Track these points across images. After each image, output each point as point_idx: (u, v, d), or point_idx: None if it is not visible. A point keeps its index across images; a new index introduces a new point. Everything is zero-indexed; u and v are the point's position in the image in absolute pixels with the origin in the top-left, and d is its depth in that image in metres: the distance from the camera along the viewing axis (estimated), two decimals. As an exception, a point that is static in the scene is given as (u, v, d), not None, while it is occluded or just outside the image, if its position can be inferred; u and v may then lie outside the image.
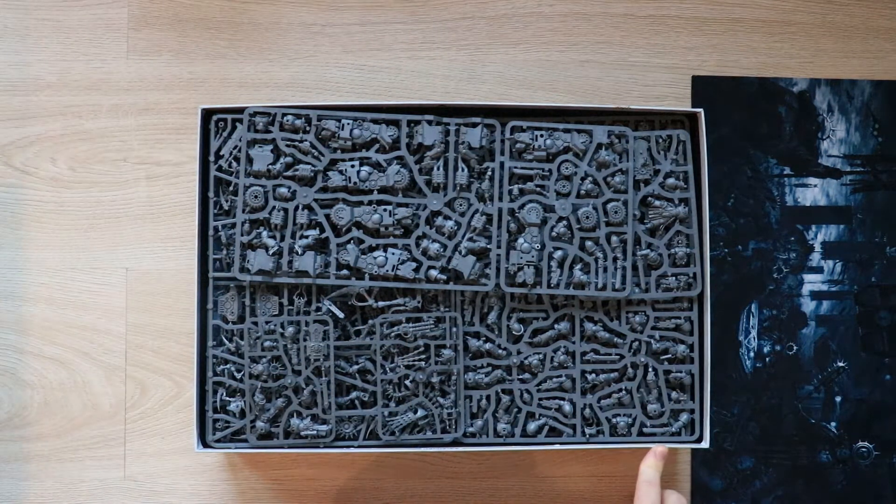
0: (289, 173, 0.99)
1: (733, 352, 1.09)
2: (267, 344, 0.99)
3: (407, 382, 1.00)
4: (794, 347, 1.10)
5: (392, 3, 1.09)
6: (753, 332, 1.10)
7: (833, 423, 1.10)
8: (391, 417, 1.00)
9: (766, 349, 1.10)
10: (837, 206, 1.10)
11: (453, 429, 1.00)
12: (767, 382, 1.09)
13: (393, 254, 0.99)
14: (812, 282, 1.10)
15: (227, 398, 1.00)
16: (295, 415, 1.00)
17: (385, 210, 0.99)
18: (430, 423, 1.00)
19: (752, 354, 1.09)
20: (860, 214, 1.10)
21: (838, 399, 1.10)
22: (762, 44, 1.11)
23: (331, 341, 0.99)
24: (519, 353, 1.01)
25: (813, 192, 1.10)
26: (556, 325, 1.01)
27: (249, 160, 0.99)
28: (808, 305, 1.10)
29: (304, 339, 0.99)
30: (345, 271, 0.99)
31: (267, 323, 0.99)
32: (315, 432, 0.99)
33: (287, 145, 0.99)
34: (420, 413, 0.99)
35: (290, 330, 0.99)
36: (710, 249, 1.04)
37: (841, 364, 1.10)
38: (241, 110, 0.99)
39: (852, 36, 1.12)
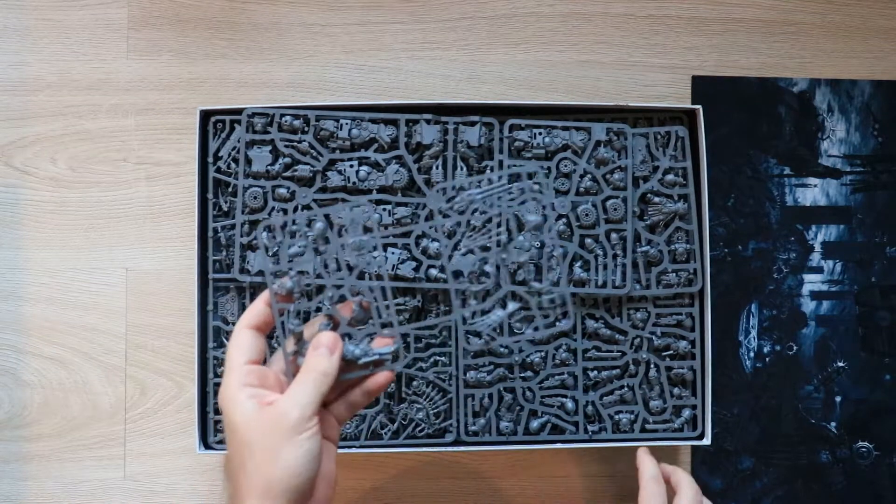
0: (288, 174, 0.99)
1: (733, 352, 1.09)
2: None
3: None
4: (794, 347, 1.10)
5: (392, 3, 1.10)
6: (753, 332, 1.10)
7: (833, 423, 1.10)
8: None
9: (766, 349, 1.09)
10: (837, 206, 1.10)
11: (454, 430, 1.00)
12: (767, 382, 1.09)
13: (393, 253, 0.99)
14: (812, 282, 1.10)
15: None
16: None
17: (384, 209, 0.99)
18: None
19: (752, 354, 1.09)
20: (860, 214, 1.10)
21: (838, 399, 1.10)
22: (762, 44, 1.11)
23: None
24: (521, 350, 1.01)
25: (813, 192, 1.10)
26: (557, 323, 1.01)
27: (248, 161, 0.99)
28: (808, 305, 1.10)
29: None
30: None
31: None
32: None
33: (286, 146, 0.99)
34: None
35: (319, 226, 0.83)
36: (711, 250, 1.04)
37: (841, 364, 1.10)
38: (239, 111, 0.99)
39: (852, 36, 1.12)
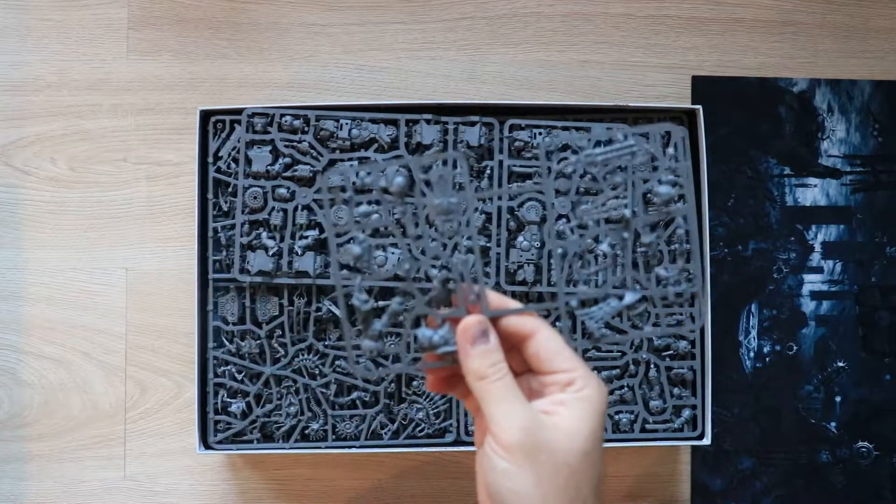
0: (288, 174, 0.99)
1: (733, 352, 1.09)
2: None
3: None
4: (794, 347, 1.10)
5: (392, 3, 1.10)
6: (753, 333, 1.10)
7: (833, 423, 1.10)
8: None
9: (766, 349, 1.09)
10: (837, 206, 1.10)
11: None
12: (767, 383, 1.09)
13: (392, 253, 0.99)
14: (812, 282, 1.10)
15: (228, 399, 1.00)
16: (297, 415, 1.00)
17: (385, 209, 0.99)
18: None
19: (752, 354, 1.09)
20: (860, 214, 1.10)
21: (838, 399, 1.10)
22: (762, 44, 1.11)
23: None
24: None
25: (813, 192, 1.10)
26: (557, 323, 1.01)
27: (248, 161, 0.99)
28: (808, 305, 1.10)
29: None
30: (345, 271, 0.99)
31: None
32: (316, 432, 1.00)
33: (286, 146, 0.99)
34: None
35: (399, 181, 0.73)
36: (711, 250, 1.04)
37: (841, 364, 1.10)
38: (239, 111, 0.99)
39: (852, 36, 1.12)
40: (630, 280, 0.73)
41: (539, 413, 0.64)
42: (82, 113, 1.08)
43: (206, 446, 1.00)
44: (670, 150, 0.75)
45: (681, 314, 1.02)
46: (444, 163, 0.78)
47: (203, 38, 1.09)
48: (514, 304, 0.68)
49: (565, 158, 0.99)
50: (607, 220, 0.74)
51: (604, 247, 0.75)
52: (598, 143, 0.99)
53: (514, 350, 0.67)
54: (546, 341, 0.66)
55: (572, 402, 0.64)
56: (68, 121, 1.08)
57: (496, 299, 0.68)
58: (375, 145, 1.00)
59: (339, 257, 0.67)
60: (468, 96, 1.09)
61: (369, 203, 0.69)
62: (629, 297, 0.72)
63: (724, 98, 1.10)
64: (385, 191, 0.67)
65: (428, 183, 0.68)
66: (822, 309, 1.10)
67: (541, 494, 0.61)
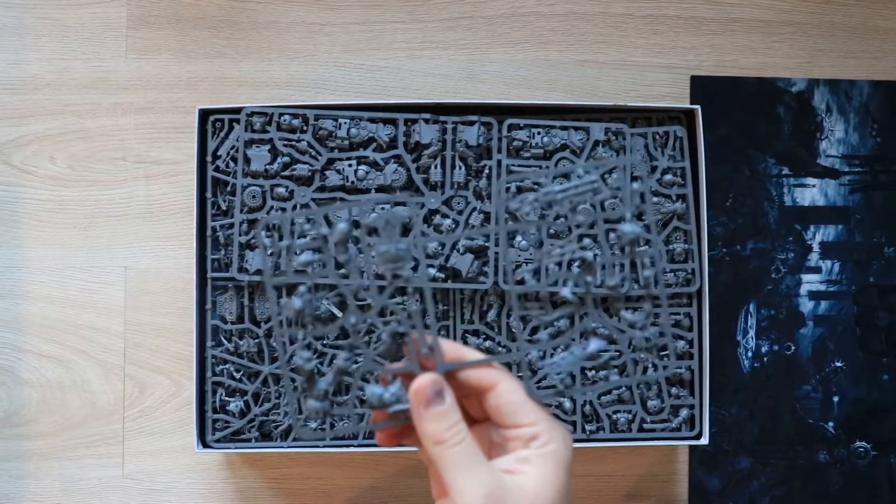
0: (286, 173, 0.99)
1: (731, 351, 1.09)
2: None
3: None
4: (792, 347, 1.10)
5: (391, 3, 1.09)
6: (751, 332, 1.10)
7: (831, 423, 1.10)
8: None
9: (763, 349, 1.09)
10: (836, 206, 1.10)
11: None
12: (765, 382, 1.09)
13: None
14: (810, 282, 1.10)
15: (227, 398, 1.00)
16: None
17: (383, 209, 0.99)
18: None
19: (750, 354, 1.09)
20: (858, 214, 1.10)
21: (836, 399, 1.10)
22: (761, 44, 1.12)
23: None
24: (518, 350, 1.01)
25: (811, 192, 1.10)
26: (555, 323, 1.01)
27: (247, 160, 0.99)
28: (806, 305, 1.10)
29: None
30: (343, 270, 0.99)
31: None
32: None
33: (284, 145, 0.99)
34: None
35: (342, 228, 0.67)
36: (709, 249, 1.04)
37: (839, 364, 1.10)
38: (238, 110, 0.99)
39: (851, 36, 1.12)
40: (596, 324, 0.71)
41: (502, 474, 0.62)
42: (81, 112, 1.08)
43: (205, 445, 1.00)
44: (635, 185, 0.73)
45: (678, 313, 1.02)
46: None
47: (202, 37, 1.09)
48: (472, 353, 0.66)
49: (564, 158, 1.00)
50: (570, 263, 0.71)
51: (566, 292, 0.70)
52: (595, 144, 1.00)
53: (473, 396, 0.66)
54: (508, 394, 0.65)
55: (537, 459, 0.63)
56: (67, 119, 1.08)
57: (452, 350, 0.66)
58: (374, 144, 1.00)
59: (280, 311, 0.65)
60: (467, 96, 1.09)
61: (311, 251, 0.67)
62: (594, 345, 0.69)
63: (723, 98, 1.10)
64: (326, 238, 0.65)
65: (374, 229, 0.65)
66: (821, 309, 1.10)
67: None
